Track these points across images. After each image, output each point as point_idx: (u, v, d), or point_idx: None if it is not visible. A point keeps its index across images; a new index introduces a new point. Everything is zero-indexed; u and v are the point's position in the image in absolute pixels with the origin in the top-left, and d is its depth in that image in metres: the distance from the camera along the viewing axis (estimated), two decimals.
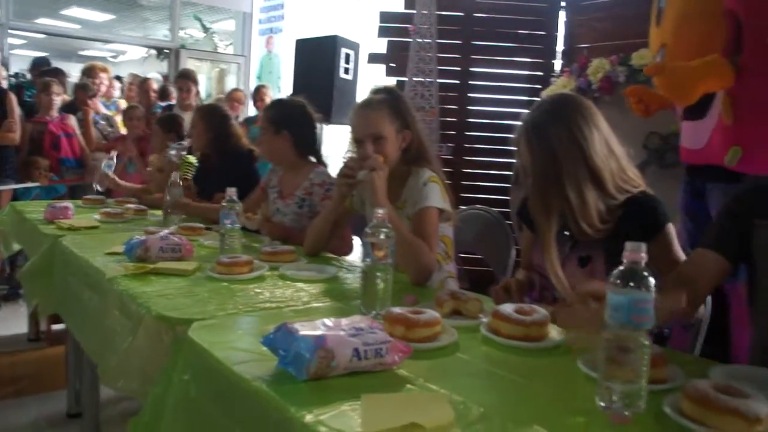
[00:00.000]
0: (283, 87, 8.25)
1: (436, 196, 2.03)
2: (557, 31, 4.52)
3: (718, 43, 2.39)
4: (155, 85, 5.81)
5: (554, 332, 1.40)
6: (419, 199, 2.03)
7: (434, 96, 4.32)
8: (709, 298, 1.78)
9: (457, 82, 4.59)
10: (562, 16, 4.50)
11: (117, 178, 3.75)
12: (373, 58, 4.75)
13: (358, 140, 2.11)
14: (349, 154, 2.17)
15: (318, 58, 5.08)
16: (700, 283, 1.47)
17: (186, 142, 2.81)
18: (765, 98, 2.21)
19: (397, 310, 1.35)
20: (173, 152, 2.78)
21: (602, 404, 1.00)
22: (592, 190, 1.62)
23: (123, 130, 5.08)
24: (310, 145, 2.75)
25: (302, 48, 5.33)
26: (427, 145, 2.22)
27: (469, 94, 4.64)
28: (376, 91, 2.25)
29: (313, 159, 2.75)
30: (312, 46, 5.22)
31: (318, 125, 2.82)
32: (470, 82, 4.63)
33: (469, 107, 4.63)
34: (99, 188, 3.71)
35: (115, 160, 3.74)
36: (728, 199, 1.55)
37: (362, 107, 2.16)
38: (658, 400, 1.03)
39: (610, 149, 1.66)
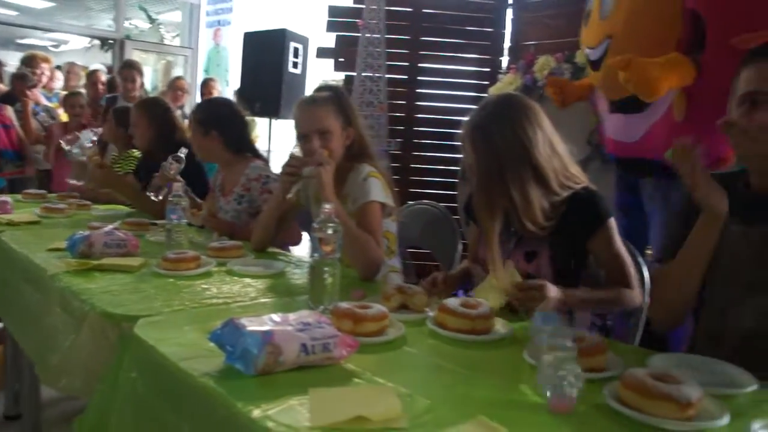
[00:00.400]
0: (231, 80, 8.15)
1: (377, 191, 2.04)
2: (504, 29, 4.59)
3: (671, 40, 2.47)
4: (103, 77, 5.66)
5: (499, 325, 1.43)
6: (360, 194, 2.04)
7: (383, 91, 4.34)
8: (648, 288, 1.85)
9: (406, 77, 4.62)
10: (510, 14, 4.57)
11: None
12: (322, 53, 4.73)
13: (304, 135, 2.10)
14: (296, 150, 2.16)
15: (266, 52, 5.04)
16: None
17: (182, 154, 2.72)
18: (721, 96, 2.30)
19: (344, 304, 1.36)
20: (170, 166, 2.68)
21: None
22: (536, 189, 1.66)
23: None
24: (241, 142, 2.74)
25: (251, 41, 5.28)
26: (368, 142, 2.23)
27: (417, 90, 4.67)
28: (320, 89, 2.27)
29: (249, 154, 2.74)
30: (260, 40, 5.17)
31: (252, 120, 2.79)
32: (419, 77, 4.66)
33: (417, 103, 4.66)
34: (76, 182, 3.43)
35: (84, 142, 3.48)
36: (683, 203, 1.59)
37: (307, 103, 2.16)
38: (598, 388, 1.07)
39: (553, 148, 1.71)
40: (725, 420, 0.98)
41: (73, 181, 3.36)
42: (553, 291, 1.53)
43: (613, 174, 3.02)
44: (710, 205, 1.34)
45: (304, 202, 2.29)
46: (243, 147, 2.73)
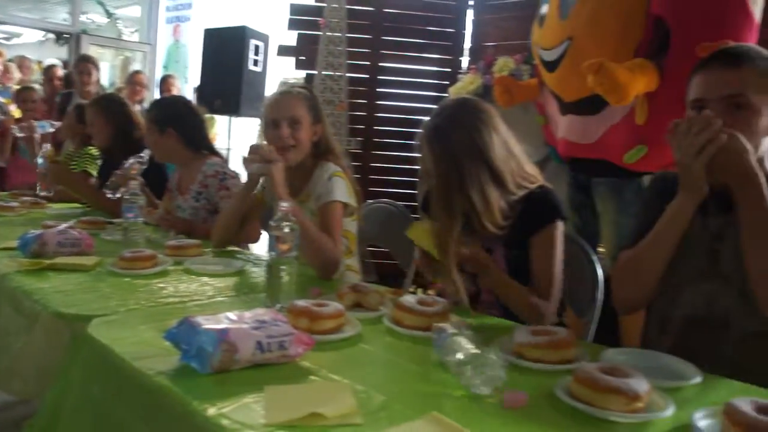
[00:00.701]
0: (190, 77, 8.05)
1: (341, 191, 2.06)
2: (465, 29, 4.62)
3: (632, 43, 2.51)
4: (60, 72, 5.54)
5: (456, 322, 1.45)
6: (324, 193, 2.05)
7: (343, 90, 4.34)
8: (601, 285, 1.89)
9: (367, 76, 4.63)
10: (470, 15, 4.61)
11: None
12: (283, 51, 4.71)
13: (274, 121, 2.10)
14: (264, 143, 2.16)
15: (227, 49, 5.00)
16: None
17: (145, 155, 2.66)
18: (682, 102, 2.36)
19: (301, 302, 1.37)
20: (132, 166, 2.62)
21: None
22: (495, 191, 1.68)
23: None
24: (199, 140, 2.73)
25: (211, 38, 5.23)
26: (334, 141, 2.25)
27: (378, 89, 4.68)
28: (293, 84, 2.29)
29: (206, 152, 2.72)
30: (221, 37, 5.12)
31: (211, 118, 2.78)
32: (379, 77, 4.67)
33: (378, 102, 4.67)
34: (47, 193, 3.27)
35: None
36: (644, 194, 1.64)
37: (281, 93, 2.20)
38: (553, 382, 1.10)
39: (509, 150, 1.73)
40: (670, 411, 1.02)
41: (44, 193, 3.27)
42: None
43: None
44: (693, 182, 1.36)
45: (269, 199, 2.29)
46: (201, 145, 2.71)
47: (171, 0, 8.78)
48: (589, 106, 2.63)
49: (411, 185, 4.37)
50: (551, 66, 2.80)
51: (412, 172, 4.38)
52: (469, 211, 1.70)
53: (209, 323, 1.13)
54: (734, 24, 2.38)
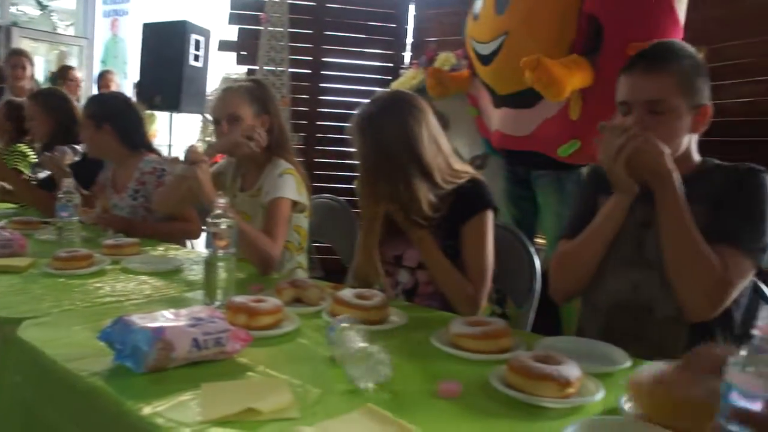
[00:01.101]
0: (129, 73, 7.87)
1: (290, 188, 2.06)
2: (407, 24, 4.65)
3: (567, 39, 2.58)
4: None
5: (395, 315, 1.47)
6: (272, 189, 2.05)
7: (286, 85, 4.31)
8: (539, 276, 1.94)
9: (309, 71, 4.61)
10: (412, 10, 4.64)
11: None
12: (224, 46, 4.65)
13: (215, 120, 2.14)
14: (196, 144, 2.15)
15: (166, 44, 4.90)
16: None
17: (80, 148, 2.57)
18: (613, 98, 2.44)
19: (239, 299, 1.36)
20: (64, 154, 2.53)
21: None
22: (423, 183, 1.71)
23: None
24: (136, 137, 2.68)
25: (150, 33, 5.12)
26: (288, 137, 2.26)
27: (320, 84, 4.67)
28: (240, 78, 2.30)
29: (143, 149, 2.68)
30: (160, 31, 5.02)
31: (151, 114, 2.74)
32: (322, 72, 4.66)
33: (320, 97, 4.66)
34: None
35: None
36: (580, 186, 1.70)
37: (223, 90, 2.21)
38: (489, 372, 1.12)
39: (439, 147, 1.77)
40: (600, 396, 1.06)
41: None
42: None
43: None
44: (623, 182, 1.43)
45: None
46: (138, 143, 2.66)
47: None
48: (524, 99, 2.68)
49: (353, 180, 4.37)
50: (486, 59, 2.84)
51: (354, 167, 4.38)
52: (395, 202, 1.72)
53: (144, 322, 1.12)
54: (659, 24, 2.47)
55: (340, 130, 4.53)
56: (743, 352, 0.71)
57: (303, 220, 2.20)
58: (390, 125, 1.71)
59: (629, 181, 1.42)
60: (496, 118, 2.91)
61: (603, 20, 2.51)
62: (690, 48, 1.52)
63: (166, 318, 1.16)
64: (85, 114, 2.67)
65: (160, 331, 1.09)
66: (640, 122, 1.44)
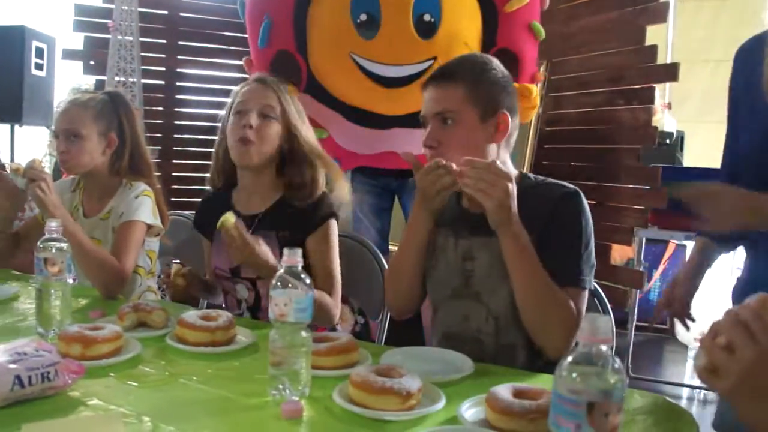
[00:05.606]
0: None
1: (146, 211, 1.98)
2: None
3: None
4: None
5: (242, 334, 1.45)
6: (127, 211, 1.96)
7: (138, 96, 4.13)
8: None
9: (163, 82, 4.45)
10: None
11: None
12: (69, 54, 4.38)
13: (56, 135, 2.01)
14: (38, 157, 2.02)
15: (4, 51, 4.55)
16: None
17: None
18: None
19: (73, 328, 1.29)
20: None
21: (273, 393, 1.10)
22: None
23: None
24: None
25: None
26: (147, 158, 2.14)
27: (176, 96, 4.51)
28: (94, 91, 2.21)
29: None
30: None
31: None
32: (178, 83, 4.51)
33: (176, 109, 4.51)
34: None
35: None
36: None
37: (68, 102, 2.05)
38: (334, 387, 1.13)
39: None
40: (441, 404, 1.09)
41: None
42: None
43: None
44: (429, 204, 1.46)
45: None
46: None
47: None
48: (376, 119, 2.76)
49: None
50: (393, 82, 2.73)
51: None
52: None
53: None
54: None
55: (199, 142, 4.47)
56: (569, 358, 0.78)
57: (155, 244, 2.12)
58: None
59: (435, 203, 1.44)
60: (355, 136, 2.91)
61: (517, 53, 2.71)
62: (493, 61, 1.53)
63: None
64: None
65: None
66: (432, 135, 1.46)
